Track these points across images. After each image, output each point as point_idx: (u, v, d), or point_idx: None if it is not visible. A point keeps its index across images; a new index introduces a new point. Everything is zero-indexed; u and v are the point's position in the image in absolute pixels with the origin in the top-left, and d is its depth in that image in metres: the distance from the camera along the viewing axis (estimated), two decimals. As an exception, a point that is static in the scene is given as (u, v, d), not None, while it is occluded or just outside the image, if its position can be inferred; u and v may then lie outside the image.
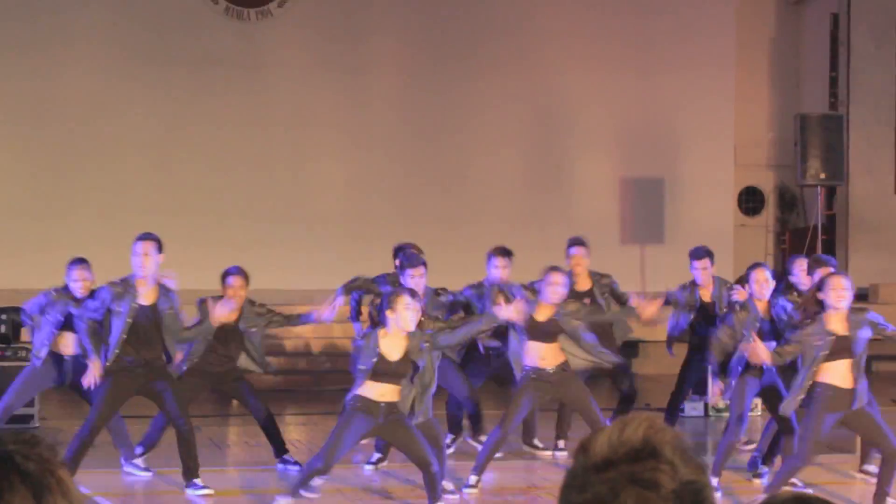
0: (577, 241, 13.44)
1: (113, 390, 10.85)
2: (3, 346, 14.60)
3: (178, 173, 20.93)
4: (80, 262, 11.92)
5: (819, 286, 10.29)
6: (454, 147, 21.79)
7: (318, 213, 20.98)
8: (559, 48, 21.95)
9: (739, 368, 11.22)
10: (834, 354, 10.03)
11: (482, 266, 12.91)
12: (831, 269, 11.38)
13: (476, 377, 12.97)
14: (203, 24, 21.18)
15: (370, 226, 20.23)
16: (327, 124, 21.54)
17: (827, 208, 21.45)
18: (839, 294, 10.00)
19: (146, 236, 11.06)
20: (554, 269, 11.42)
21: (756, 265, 11.87)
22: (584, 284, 13.14)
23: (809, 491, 8.68)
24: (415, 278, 11.81)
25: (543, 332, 11.22)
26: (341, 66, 21.55)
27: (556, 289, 11.13)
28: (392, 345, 9.86)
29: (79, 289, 11.71)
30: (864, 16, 21.93)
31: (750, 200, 24.40)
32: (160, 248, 11.05)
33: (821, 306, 10.16)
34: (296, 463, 12.00)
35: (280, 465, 12.19)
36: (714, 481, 10.57)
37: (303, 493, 10.26)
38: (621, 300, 13.31)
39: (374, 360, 9.83)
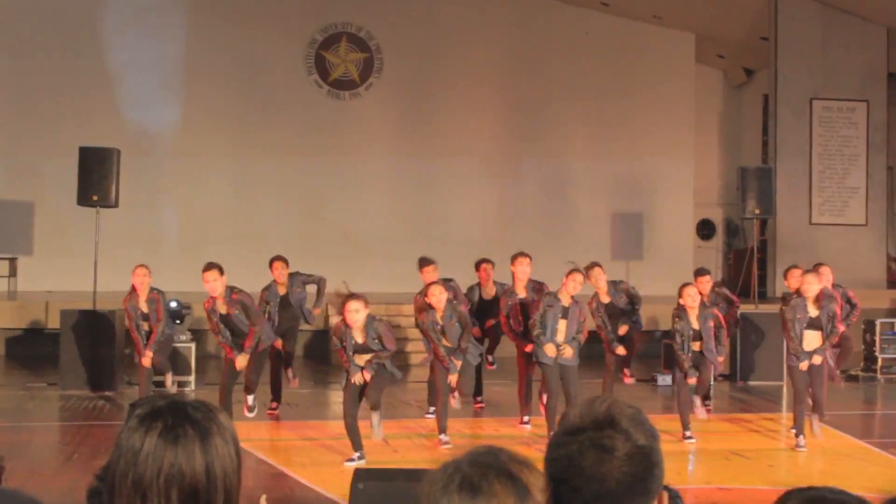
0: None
1: (228, 362, 11.33)
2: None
3: (289, 209, 22.12)
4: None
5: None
6: (499, 192, 23.06)
7: (389, 239, 21.73)
8: (569, 123, 23.26)
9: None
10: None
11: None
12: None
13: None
14: (310, 102, 22.49)
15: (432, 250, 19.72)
16: (400, 176, 22.74)
17: (760, 235, 21.77)
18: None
19: (211, 266, 11.19)
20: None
21: (687, 284, 11.67)
22: (605, 298, 12.74)
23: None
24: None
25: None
26: (412, 134, 22.77)
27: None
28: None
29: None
30: (786, 97, 22.22)
31: (705, 229, 25.38)
32: (222, 272, 11.19)
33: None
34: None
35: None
36: (687, 433, 11.21)
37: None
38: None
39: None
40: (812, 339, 11.01)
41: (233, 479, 2.04)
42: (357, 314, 9.97)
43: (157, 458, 1.97)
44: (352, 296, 10.12)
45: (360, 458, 10.03)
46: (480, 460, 1.89)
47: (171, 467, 1.97)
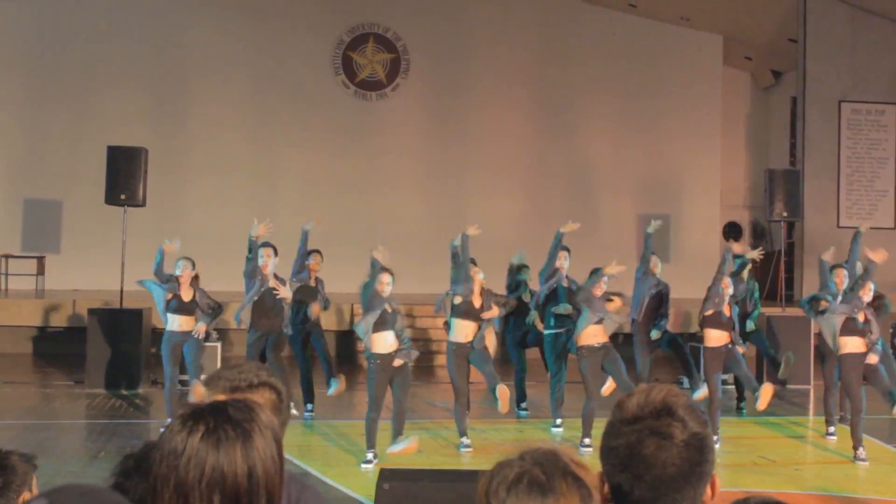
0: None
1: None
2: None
3: (316, 210, 20.32)
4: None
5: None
6: (525, 193, 23.01)
7: (411, 235, 21.77)
8: (596, 124, 23.26)
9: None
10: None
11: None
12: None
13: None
14: (338, 102, 22.59)
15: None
16: (426, 178, 22.81)
17: (787, 238, 21.78)
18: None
19: (268, 244, 11.74)
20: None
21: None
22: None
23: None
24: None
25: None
26: (439, 135, 22.86)
27: None
28: None
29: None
30: (814, 99, 22.12)
31: (731, 231, 25.06)
32: (276, 253, 11.79)
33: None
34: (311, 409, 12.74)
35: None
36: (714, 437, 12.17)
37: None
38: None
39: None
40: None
41: (275, 481, 2.02)
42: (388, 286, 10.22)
43: (200, 462, 1.96)
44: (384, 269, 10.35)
45: (374, 456, 10.12)
46: (544, 461, 1.96)
47: (213, 470, 1.95)
